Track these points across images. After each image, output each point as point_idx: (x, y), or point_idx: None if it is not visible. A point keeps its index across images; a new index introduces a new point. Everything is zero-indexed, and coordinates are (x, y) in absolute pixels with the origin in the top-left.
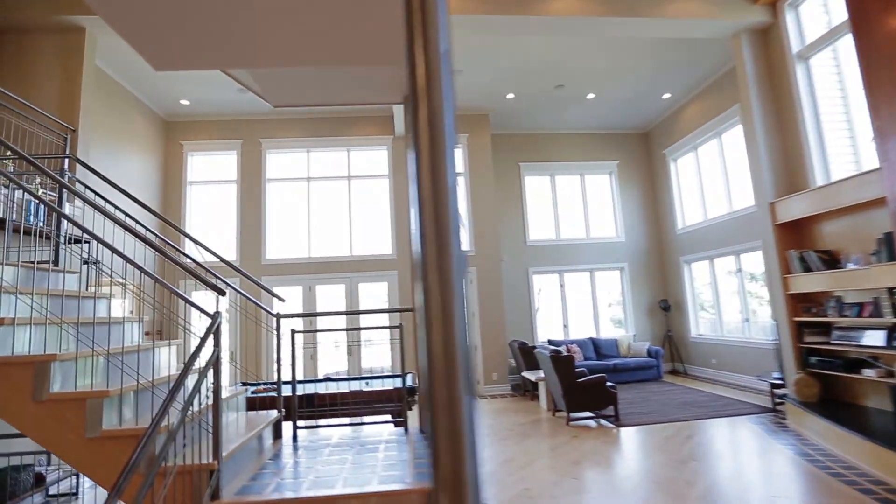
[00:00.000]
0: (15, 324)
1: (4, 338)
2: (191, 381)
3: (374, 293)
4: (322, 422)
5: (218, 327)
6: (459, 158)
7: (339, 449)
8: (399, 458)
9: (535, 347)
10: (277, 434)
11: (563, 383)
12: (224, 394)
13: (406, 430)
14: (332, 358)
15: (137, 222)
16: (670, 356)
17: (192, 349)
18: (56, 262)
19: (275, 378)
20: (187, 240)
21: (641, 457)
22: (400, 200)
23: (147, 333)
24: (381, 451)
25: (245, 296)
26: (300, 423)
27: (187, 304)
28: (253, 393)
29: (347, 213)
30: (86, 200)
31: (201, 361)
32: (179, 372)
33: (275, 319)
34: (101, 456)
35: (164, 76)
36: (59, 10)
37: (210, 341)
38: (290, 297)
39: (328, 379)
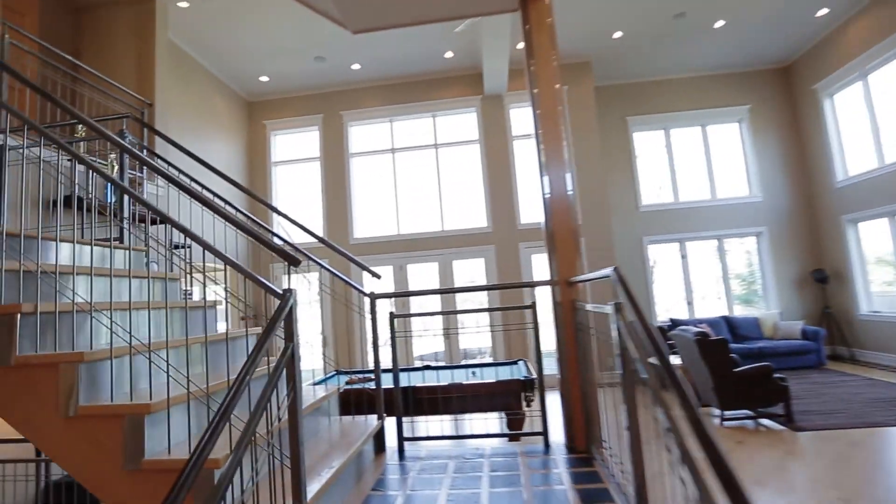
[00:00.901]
0: (92, 309)
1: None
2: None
3: (470, 271)
4: (430, 419)
5: (291, 311)
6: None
7: (466, 476)
8: (555, 495)
9: (664, 328)
10: (379, 446)
11: (714, 374)
12: (310, 397)
13: (547, 444)
14: (424, 340)
15: (224, 201)
16: (830, 338)
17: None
18: (121, 240)
19: (369, 366)
20: (276, 219)
21: (861, 479)
22: (494, 167)
23: (243, 318)
24: (525, 479)
25: (335, 273)
26: (404, 425)
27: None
28: (347, 384)
29: (437, 184)
30: (161, 173)
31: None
32: (238, 377)
33: (368, 300)
34: (144, 494)
35: (241, 55)
36: None
37: (280, 333)
38: (380, 278)
39: (427, 367)
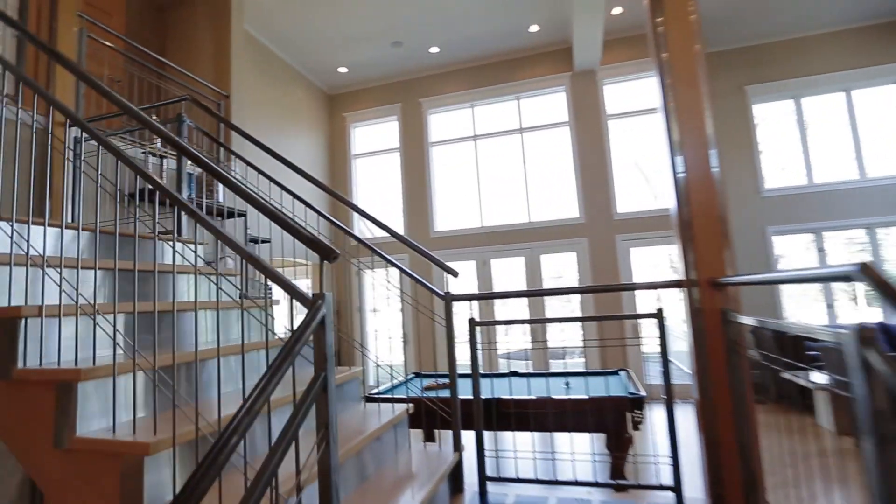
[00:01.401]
0: (175, 309)
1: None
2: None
3: (560, 266)
4: (518, 436)
5: (322, 322)
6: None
7: None
8: None
9: (804, 338)
10: (455, 485)
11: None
12: (373, 420)
13: (680, 502)
14: (508, 336)
15: (300, 199)
16: None
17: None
18: (179, 234)
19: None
20: (356, 216)
21: None
22: (586, 152)
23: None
24: None
25: (404, 270)
26: (486, 459)
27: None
28: (425, 389)
29: (522, 172)
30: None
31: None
32: (235, 420)
33: (445, 303)
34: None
35: (319, 45)
36: None
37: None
38: (462, 273)
39: (514, 374)
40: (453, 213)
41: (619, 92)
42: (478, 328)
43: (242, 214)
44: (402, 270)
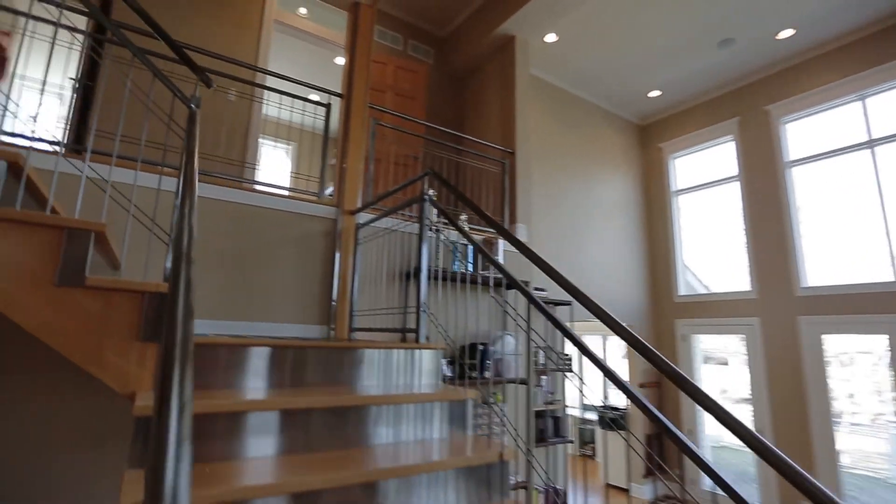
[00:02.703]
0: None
1: None
2: None
3: None
4: None
5: None
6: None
7: None
8: None
9: None
10: None
11: None
12: None
13: None
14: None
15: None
16: None
17: None
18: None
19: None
20: (681, 265)
21: None
22: None
23: (641, 385)
24: None
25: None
26: None
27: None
28: None
29: None
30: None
31: None
32: None
33: None
34: None
35: (626, 72)
36: (490, 23)
37: None
38: (861, 344)
39: None
40: (835, 259)
41: None
42: None
43: (525, 283)
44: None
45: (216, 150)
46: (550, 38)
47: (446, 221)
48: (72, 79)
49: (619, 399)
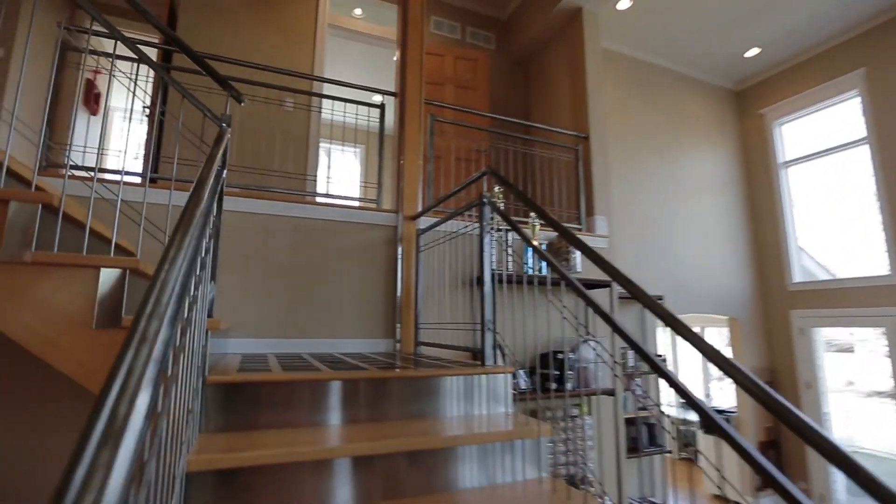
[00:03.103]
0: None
1: None
2: None
3: None
4: None
5: None
6: None
7: None
8: None
9: None
10: None
11: None
12: None
13: None
14: None
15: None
16: None
17: None
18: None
19: None
20: (795, 249)
21: None
22: None
23: None
24: None
25: None
26: None
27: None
28: None
29: None
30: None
31: None
32: None
33: None
34: None
35: (715, 31)
36: None
37: None
38: None
39: None
40: None
41: None
42: None
43: (606, 285)
44: None
45: (276, 163)
46: (623, 4)
47: (512, 222)
48: (145, 106)
49: (725, 399)
